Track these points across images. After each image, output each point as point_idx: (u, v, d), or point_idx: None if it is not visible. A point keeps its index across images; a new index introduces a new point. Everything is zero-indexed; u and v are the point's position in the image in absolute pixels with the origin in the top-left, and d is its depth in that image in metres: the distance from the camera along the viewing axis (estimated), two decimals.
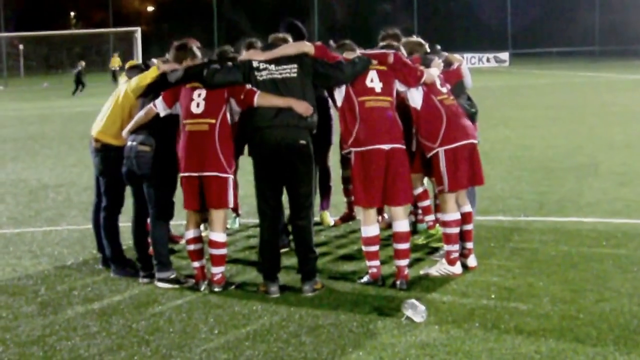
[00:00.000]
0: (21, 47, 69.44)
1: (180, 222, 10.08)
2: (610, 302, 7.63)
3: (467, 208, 9.02)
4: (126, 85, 8.98)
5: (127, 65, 9.28)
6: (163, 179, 8.59)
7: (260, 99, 8.13)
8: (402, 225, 8.45)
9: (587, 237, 10.09)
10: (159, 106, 8.46)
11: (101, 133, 9.08)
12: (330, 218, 11.35)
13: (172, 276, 8.68)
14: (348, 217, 11.49)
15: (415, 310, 7.35)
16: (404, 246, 8.43)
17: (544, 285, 8.22)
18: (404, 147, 8.44)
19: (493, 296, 7.95)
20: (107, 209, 9.22)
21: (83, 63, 51.09)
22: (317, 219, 11.28)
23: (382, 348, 6.70)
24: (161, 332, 7.25)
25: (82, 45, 68.10)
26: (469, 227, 9.01)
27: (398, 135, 8.39)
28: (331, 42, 9.49)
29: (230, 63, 8.46)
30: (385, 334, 7.01)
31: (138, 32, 59.36)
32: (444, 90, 8.93)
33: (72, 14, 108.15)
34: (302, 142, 8.17)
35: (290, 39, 8.69)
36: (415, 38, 9.78)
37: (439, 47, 9.80)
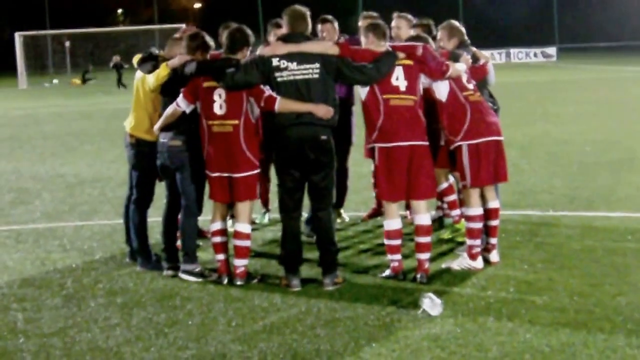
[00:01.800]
0: (67, 44, 70.27)
1: (208, 217, 10.23)
2: (628, 296, 7.66)
3: (495, 204, 9.08)
4: (141, 81, 9.15)
5: (134, 60, 9.37)
6: (195, 172, 8.75)
7: (281, 106, 8.22)
8: (423, 218, 8.55)
9: (613, 232, 10.10)
10: (182, 104, 8.61)
11: (134, 128, 9.29)
12: (344, 215, 11.40)
13: (197, 269, 8.84)
14: (376, 212, 11.57)
15: (432, 304, 7.44)
16: (425, 239, 8.52)
17: (563, 279, 8.26)
18: (426, 143, 8.54)
19: (512, 290, 8.02)
20: (137, 202, 9.42)
21: (118, 57, 52.48)
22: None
23: (395, 340, 6.81)
24: (180, 325, 7.41)
25: (127, 42, 68.76)
26: (494, 222, 9.06)
27: (421, 133, 8.49)
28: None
29: (248, 64, 8.38)
30: (400, 327, 7.11)
31: (181, 28, 59.83)
32: (471, 86, 8.98)
33: (120, 10, 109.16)
34: (324, 137, 8.28)
35: (308, 13, 8.65)
36: (455, 23, 9.70)
37: (468, 41, 9.77)
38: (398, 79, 8.48)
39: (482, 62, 9.51)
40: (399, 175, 8.39)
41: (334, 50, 8.38)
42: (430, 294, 7.57)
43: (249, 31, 8.84)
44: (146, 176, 9.29)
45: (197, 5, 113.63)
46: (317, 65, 8.26)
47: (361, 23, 10.72)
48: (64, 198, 14.06)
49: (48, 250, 10.37)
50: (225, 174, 8.47)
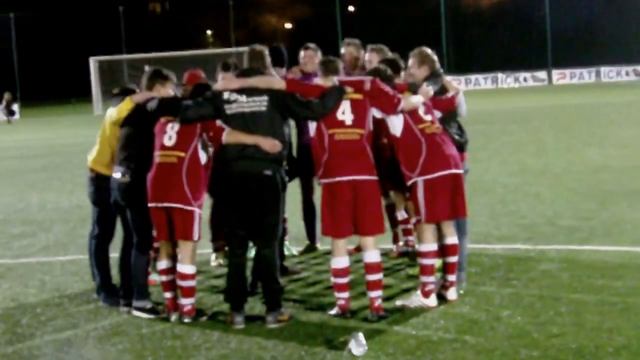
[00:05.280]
0: (147, 68, 71.53)
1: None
2: (564, 338, 7.69)
3: (452, 240, 9.17)
4: (109, 115, 9.53)
5: (114, 92, 9.81)
6: (144, 208, 9.06)
7: (228, 137, 8.54)
8: (371, 255, 8.70)
9: (592, 267, 10.09)
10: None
11: (94, 162, 9.69)
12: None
13: (148, 306, 9.14)
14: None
15: (357, 344, 7.59)
16: (375, 277, 8.67)
17: (511, 318, 8.33)
18: (373, 178, 8.69)
19: (452, 329, 8.12)
20: (98, 238, 9.82)
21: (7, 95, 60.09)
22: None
23: None
24: None
25: (206, 64, 69.85)
26: (452, 259, 9.16)
27: (367, 167, 8.65)
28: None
29: (201, 98, 8.80)
30: None
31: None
32: (428, 118, 9.06)
33: (209, 32, 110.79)
34: (267, 172, 8.53)
35: (266, 51, 9.00)
36: (427, 50, 9.80)
37: (441, 70, 9.83)
38: (344, 112, 8.66)
39: (451, 94, 9.54)
40: (343, 211, 8.56)
41: (280, 85, 8.64)
42: (359, 334, 7.71)
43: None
44: (106, 212, 9.66)
45: (288, 26, 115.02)
46: (265, 98, 8.57)
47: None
48: (70, 231, 14.55)
49: (26, 286, 10.81)
50: (160, 204, 8.76)
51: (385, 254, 11.31)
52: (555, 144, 24.23)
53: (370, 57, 10.62)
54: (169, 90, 9.24)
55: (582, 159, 20.36)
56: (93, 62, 61.13)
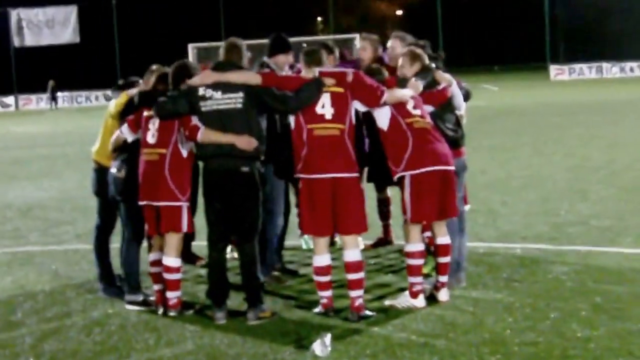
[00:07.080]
0: (248, 54, 72.10)
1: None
2: (537, 346, 7.46)
3: (444, 240, 8.99)
4: (109, 109, 9.65)
5: (119, 83, 9.95)
6: (135, 201, 9.13)
7: (203, 137, 8.54)
8: (351, 254, 8.61)
9: (604, 271, 9.78)
10: (125, 132, 9.08)
11: (97, 154, 9.83)
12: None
13: (140, 299, 9.24)
14: (382, 242, 11.67)
15: (322, 345, 7.53)
16: (355, 276, 8.58)
17: (493, 324, 8.12)
18: (354, 175, 8.60)
19: (427, 332, 7.99)
20: (99, 229, 9.96)
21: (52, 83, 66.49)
22: None
23: None
24: (78, 356, 7.84)
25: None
26: (444, 259, 8.99)
27: (347, 164, 8.54)
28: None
29: (177, 93, 8.80)
30: None
31: (356, 39, 60.77)
32: (417, 112, 8.88)
33: (319, 19, 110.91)
34: (244, 169, 8.51)
35: (243, 44, 8.94)
36: (417, 50, 9.64)
37: (432, 65, 9.61)
38: (324, 106, 8.56)
39: (442, 86, 9.34)
40: (322, 209, 8.48)
41: (256, 80, 8.57)
42: (327, 335, 7.66)
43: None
44: (107, 203, 9.76)
45: (399, 12, 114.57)
46: (241, 94, 8.51)
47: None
48: None
49: (40, 274, 11.04)
50: (152, 203, 8.85)
51: (399, 250, 11.27)
52: (631, 138, 23.55)
53: (393, 44, 10.49)
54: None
55: None
56: (191, 49, 61.67)
